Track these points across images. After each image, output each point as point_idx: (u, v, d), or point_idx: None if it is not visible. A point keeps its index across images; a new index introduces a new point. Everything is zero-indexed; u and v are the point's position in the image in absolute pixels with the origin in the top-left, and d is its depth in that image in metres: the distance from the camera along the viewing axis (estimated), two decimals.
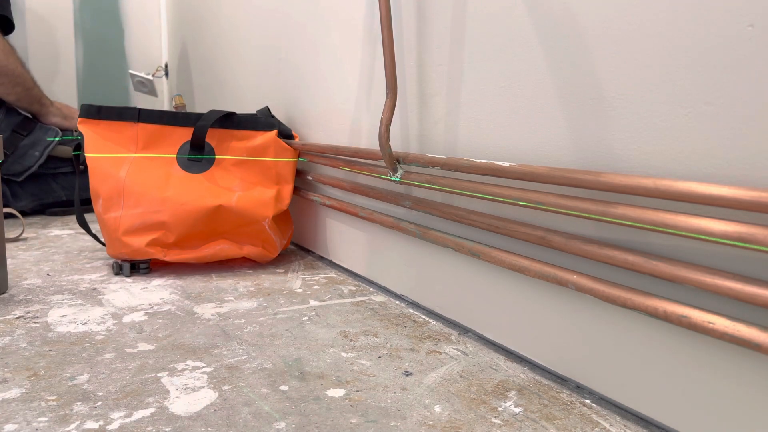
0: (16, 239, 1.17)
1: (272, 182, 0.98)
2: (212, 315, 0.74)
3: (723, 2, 0.41)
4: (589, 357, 0.53)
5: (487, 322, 0.66)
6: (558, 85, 0.55)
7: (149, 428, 0.46)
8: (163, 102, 2.16)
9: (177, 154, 0.97)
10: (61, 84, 2.05)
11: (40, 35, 2.00)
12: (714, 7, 0.42)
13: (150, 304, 0.77)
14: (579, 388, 0.55)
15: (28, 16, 1.97)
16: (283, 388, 0.54)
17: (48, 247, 1.11)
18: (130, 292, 0.83)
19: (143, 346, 0.63)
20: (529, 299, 0.60)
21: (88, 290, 0.83)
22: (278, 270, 0.96)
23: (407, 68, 0.76)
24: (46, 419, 0.48)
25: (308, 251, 1.10)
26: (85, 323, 0.70)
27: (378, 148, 0.73)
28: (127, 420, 0.48)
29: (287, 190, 0.99)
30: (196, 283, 0.88)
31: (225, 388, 0.54)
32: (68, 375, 0.56)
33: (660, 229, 0.42)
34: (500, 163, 0.56)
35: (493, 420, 0.49)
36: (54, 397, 0.51)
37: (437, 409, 0.50)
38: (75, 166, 0.99)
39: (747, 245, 0.38)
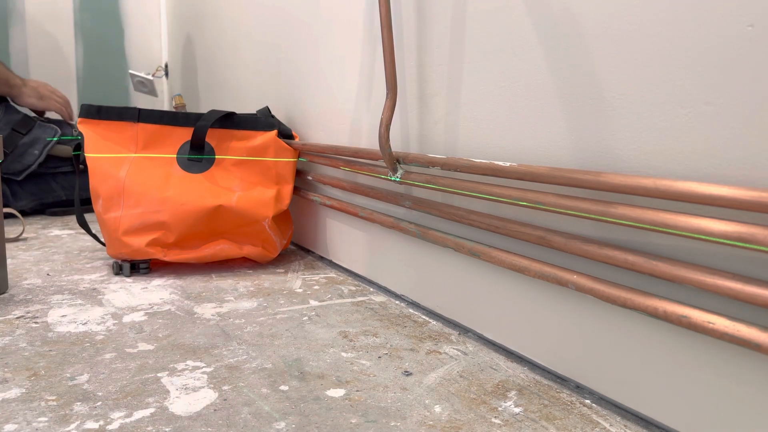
0: (16, 239, 1.17)
1: (272, 182, 0.98)
2: (212, 315, 0.74)
3: (723, 2, 0.41)
4: (589, 357, 0.53)
5: (487, 322, 0.66)
6: (558, 85, 0.55)
7: (149, 428, 0.46)
8: (163, 102, 2.16)
9: (177, 154, 0.97)
10: (61, 84, 2.05)
11: (40, 35, 2.00)
12: (714, 7, 0.42)
13: (150, 304, 0.77)
14: (579, 388, 0.55)
15: (28, 17, 1.97)
16: (283, 388, 0.54)
17: (48, 247, 1.11)
18: (130, 292, 0.83)
19: (143, 346, 0.63)
20: (529, 299, 0.60)
21: (88, 290, 0.83)
22: (278, 270, 0.96)
23: (407, 68, 0.76)
24: (46, 419, 0.48)
25: (308, 251, 1.10)
26: (85, 323, 0.70)
27: (378, 148, 0.73)
28: (127, 420, 0.48)
29: (287, 190, 0.99)
30: (196, 283, 0.88)
31: (225, 388, 0.54)
32: (68, 375, 0.56)
33: (660, 229, 0.42)
34: (500, 163, 0.56)
35: (493, 420, 0.49)
36: (54, 397, 0.51)
37: (437, 409, 0.50)
38: (75, 165, 0.99)
39: (747, 245, 0.38)
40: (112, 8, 2.10)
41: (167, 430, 0.46)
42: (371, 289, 0.86)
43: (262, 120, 1.00)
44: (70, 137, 1.48)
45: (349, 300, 0.81)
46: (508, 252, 0.59)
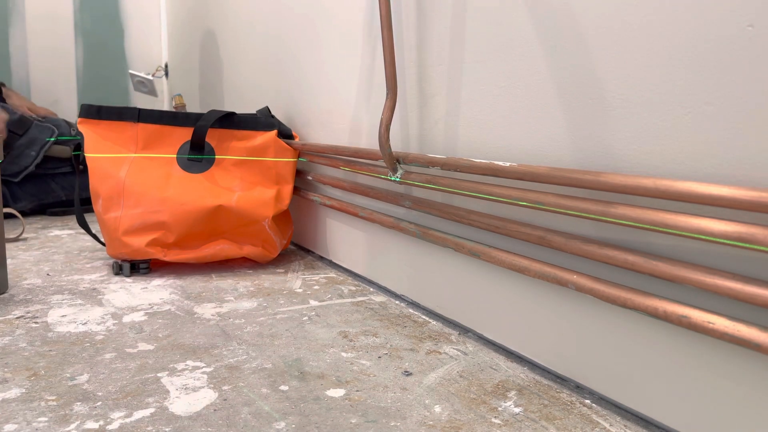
0: (16, 239, 1.17)
1: (272, 182, 0.98)
2: (212, 315, 0.74)
3: (722, 2, 0.41)
4: (589, 357, 0.53)
5: (487, 322, 0.66)
6: (558, 85, 0.55)
7: (149, 428, 0.46)
8: (163, 102, 2.16)
9: (177, 154, 0.97)
10: (61, 83, 2.05)
11: (40, 35, 2.00)
12: (714, 7, 0.42)
13: (150, 304, 0.77)
14: (579, 388, 0.55)
15: (28, 17, 1.97)
16: (283, 388, 0.54)
17: (48, 247, 1.11)
18: (130, 292, 0.83)
19: (143, 346, 0.63)
20: (529, 299, 0.60)
21: (88, 290, 0.83)
22: (278, 270, 0.96)
23: (407, 68, 0.76)
24: (46, 419, 0.48)
25: (308, 251, 1.10)
26: (85, 323, 0.70)
27: (378, 148, 0.73)
28: (127, 420, 0.48)
29: (287, 190, 0.99)
30: (196, 283, 0.88)
31: (225, 388, 0.54)
32: (68, 375, 0.56)
33: (660, 229, 0.42)
34: (500, 163, 0.56)
35: (493, 420, 0.49)
36: (54, 397, 0.51)
37: (437, 409, 0.50)
38: (75, 166, 0.99)
39: (747, 245, 0.38)
40: (112, 9, 2.10)
41: (167, 430, 0.46)
42: (371, 289, 0.86)
43: (262, 120, 1.00)
44: (67, 137, 1.47)
45: (349, 300, 0.81)
46: (508, 252, 0.59)
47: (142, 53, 2.15)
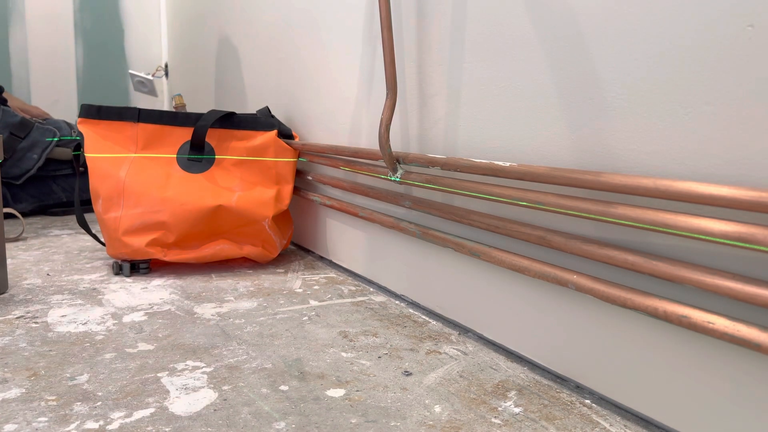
0: (16, 239, 1.17)
1: (272, 182, 0.98)
2: (212, 315, 0.74)
3: (723, 2, 0.41)
4: (589, 357, 0.53)
5: (487, 322, 0.66)
6: (558, 85, 0.55)
7: (149, 428, 0.46)
8: (163, 102, 2.16)
9: (177, 154, 0.97)
10: (61, 84, 2.05)
11: (40, 35, 2.00)
12: (714, 6, 0.42)
13: (150, 304, 0.77)
14: (579, 388, 0.55)
15: (28, 16, 1.97)
16: (283, 388, 0.54)
17: (48, 247, 1.11)
18: (130, 292, 0.83)
19: (143, 346, 0.63)
20: (529, 299, 0.60)
21: (88, 290, 0.83)
22: (278, 270, 0.96)
23: (407, 68, 0.76)
24: (46, 419, 0.48)
25: (308, 251, 1.10)
26: (85, 323, 0.70)
27: (378, 148, 0.73)
28: (127, 420, 0.48)
29: (287, 190, 0.99)
30: (196, 283, 0.88)
31: (225, 388, 0.54)
32: (68, 375, 0.56)
33: (660, 229, 0.42)
34: (500, 163, 0.56)
35: (493, 420, 0.49)
36: (54, 397, 0.51)
37: (437, 409, 0.50)
38: (75, 166, 0.99)
39: (747, 245, 0.38)
40: (112, 8, 2.10)
41: (167, 430, 0.46)
42: (371, 289, 0.86)
43: (262, 120, 1.00)
44: (69, 137, 1.47)
45: (349, 300, 0.81)
46: (508, 252, 0.59)
47: (142, 53, 2.15)
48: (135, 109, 0.97)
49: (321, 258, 1.05)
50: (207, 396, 0.52)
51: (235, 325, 0.70)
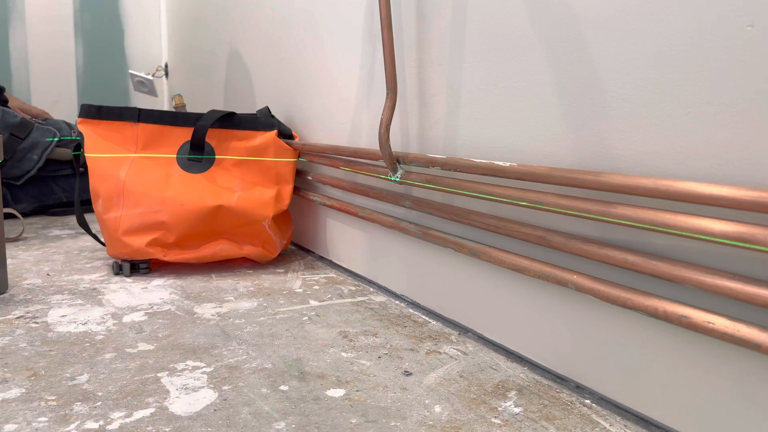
0: (16, 239, 1.17)
1: (272, 182, 0.98)
2: (212, 315, 0.74)
3: (723, 2, 0.41)
4: (589, 357, 0.53)
5: (487, 322, 0.66)
6: (558, 85, 0.55)
7: (149, 428, 0.46)
8: (163, 102, 2.16)
9: (177, 154, 0.97)
10: (61, 84, 2.05)
11: (40, 35, 2.00)
12: (714, 7, 0.42)
13: (150, 304, 0.77)
14: (579, 388, 0.55)
15: (28, 16, 1.97)
16: (283, 388, 0.54)
17: (48, 247, 1.11)
18: (130, 292, 0.83)
19: (143, 346, 0.63)
20: (529, 299, 0.60)
21: (88, 290, 0.83)
22: (278, 270, 0.96)
23: (407, 68, 0.76)
24: (46, 419, 0.48)
25: (308, 251, 1.10)
26: (85, 323, 0.70)
27: (378, 148, 0.73)
28: (127, 420, 0.48)
29: (287, 190, 0.99)
30: (196, 283, 0.88)
31: (225, 388, 0.54)
32: (68, 375, 0.56)
33: (660, 229, 0.42)
34: (500, 163, 0.56)
35: (493, 420, 0.49)
36: (54, 397, 0.51)
37: (437, 409, 0.50)
38: (75, 166, 0.99)
39: (747, 245, 0.38)
40: (112, 8, 2.10)
41: (167, 430, 0.46)
42: (371, 289, 0.86)
43: (262, 120, 1.00)
44: (69, 138, 1.47)
45: (349, 300, 0.81)
46: (508, 252, 0.59)
47: (142, 53, 2.15)
48: (135, 109, 0.97)
49: (321, 258, 1.05)
50: (207, 396, 0.52)
51: (235, 325, 0.70)
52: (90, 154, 0.93)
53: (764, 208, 0.37)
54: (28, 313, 0.73)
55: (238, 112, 1.01)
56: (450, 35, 0.68)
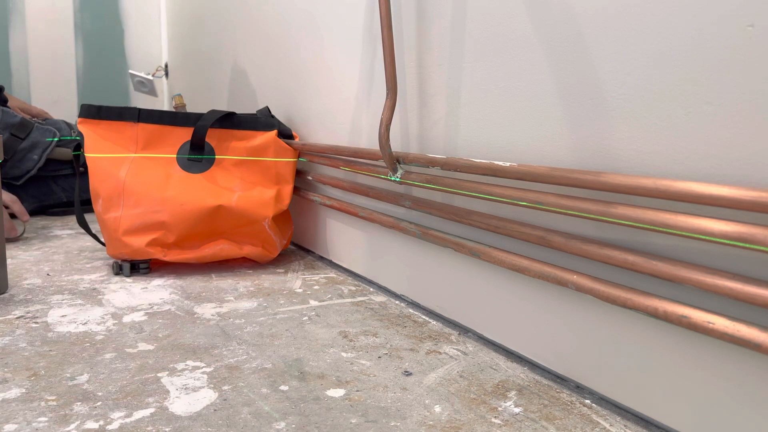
0: (16, 239, 1.16)
1: (272, 182, 0.98)
2: (212, 315, 0.74)
3: (723, 2, 0.41)
4: (589, 357, 0.53)
5: (487, 322, 0.66)
6: (558, 84, 0.55)
7: (149, 428, 0.46)
8: (163, 102, 2.16)
9: (177, 154, 0.97)
10: (61, 84, 2.05)
11: (40, 35, 2.00)
12: (714, 7, 0.42)
13: (150, 304, 0.77)
14: (579, 388, 0.55)
15: (28, 16, 1.97)
16: (283, 388, 0.54)
17: (48, 247, 1.11)
18: (130, 292, 0.83)
19: (143, 346, 0.63)
20: (529, 299, 0.60)
21: (88, 290, 0.83)
22: (278, 270, 0.96)
23: (407, 68, 0.76)
24: (46, 419, 0.48)
25: (308, 251, 1.10)
26: (85, 323, 0.70)
27: (378, 148, 0.73)
28: (127, 420, 0.48)
29: (287, 190, 0.99)
30: (196, 283, 0.88)
31: (225, 388, 0.54)
32: (68, 375, 0.56)
33: (660, 229, 0.42)
34: (500, 163, 0.57)
35: (493, 420, 0.49)
36: (54, 397, 0.51)
37: (437, 409, 0.50)
38: (75, 166, 0.99)
39: (747, 245, 0.38)
40: (112, 8, 2.10)
41: (167, 430, 0.46)
42: (371, 289, 0.86)
43: (262, 120, 1.00)
44: (68, 137, 1.47)
45: (349, 300, 0.81)
46: (508, 252, 0.59)
47: (142, 53, 2.15)
48: (135, 109, 0.97)
49: (321, 258, 1.05)
50: (207, 396, 0.52)
51: (235, 325, 0.70)
52: (90, 154, 0.93)
53: (764, 208, 0.37)
54: (28, 313, 0.73)
55: (238, 112, 1.01)
56: (450, 35, 0.68)
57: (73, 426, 0.47)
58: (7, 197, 1.19)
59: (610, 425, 0.48)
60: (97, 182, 0.91)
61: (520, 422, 0.48)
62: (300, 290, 0.85)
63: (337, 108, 0.94)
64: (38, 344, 0.63)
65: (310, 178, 1.01)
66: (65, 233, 1.25)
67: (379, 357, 0.61)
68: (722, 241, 0.39)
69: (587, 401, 0.52)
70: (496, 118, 0.62)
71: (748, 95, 0.40)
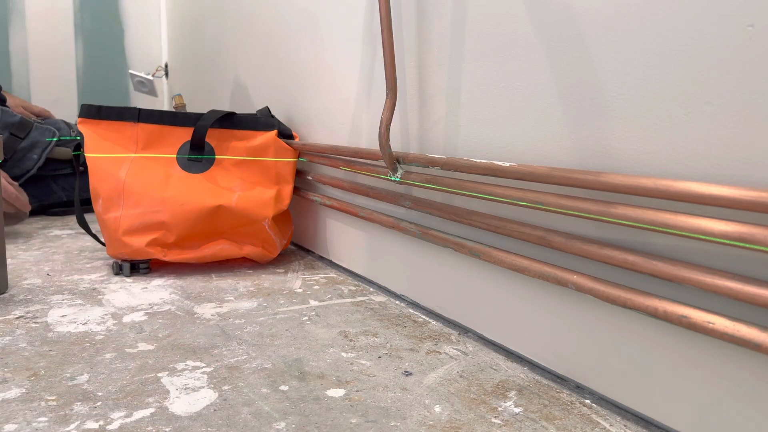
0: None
1: (272, 182, 0.98)
2: (212, 315, 0.74)
3: (723, 2, 0.41)
4: (589, 357, 0.53)
5: (487, 322, 0.66)
6: (558, 84, 0.55)
7: (149, 428, 0.46)
8: (163, 102, 2.16)
9: (177, 154, 0.97)
10: (61, 84, 2.05)
11: (40, 35, 2.00)
12: (714, 7, 0.42)
13: (150, 304, 0.77)
14: (579, 388, 0.55)
15: (28, 16, 1.97)
16: (283, 388, 0.54)
17: (48, 247, 1.11)
18: (130, 292, 0.83)
19: (143, 346, 0.63)
20: (529, 299, 0.60)
21: (88, 290, 0.83)
22: (278, 270, 0.96)
23: (407, 68, 0.76)
24: (46, 419, 0.48)
25: (308, 251, 1.10)
26: (85, 323, 0.70)
27: (378, 148, 0.73)
28: (127, 420, 0.48)
29: (287, 190, 0.99)
30: (196, 283, 0.88)
31: (225, 388, 0.54)
32: (68, 375, 0.56)
33: (660, 229, 0.42)
34: (500, 163, 0.56)
35: (493, 420, 0.49)
36: (54, 397, 0.51)
37: (437, 409, 0.50)
38: (75, 166, 0.99)
39: (747, 245, 0.38)
40: (112, 8, 2.10)
41: (167, 430, 0.46)
42: (371, 289, 0.86)
43: (262, 120, 1.00)
44: (68, 137, 1.47)
45: (349, 300, 0.81)
46: (508, 252, 0.59)
47: (142, 53, 2.15)
48: (135, 109, 0.97)
49: (321, 258, 1.05)
50: (207, 396, 0.52)
51: (235, 325, 0.70)
52: (90, 154, 0.93)
53: (764, 208, 0.37)
54: (28, 313, 0.73)
55: (238, 112, 1.01)
56: (450, 35, 0.68)
57: (73, 426, 0.47)
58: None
59: (610, 425, 0.48)
60: (97, 182, 0.91)
61: (520, 422, 0.48)
62: (300, 290, 0.85)
63: (337, 108, 0.94)
64: (38, 344, 0.63)
65: (310, 178, 1.01)
66: (65, 233, 1.25)
67: (379, 357, 0.61)
68: (722, 241, 0.39)
69: (587, 401, 0.52)
70: (496, 118, 0.62)
71: (748, 95, 0.40)
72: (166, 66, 2.12)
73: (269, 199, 0.95)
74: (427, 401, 0.52)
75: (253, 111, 1.12)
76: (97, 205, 0.91)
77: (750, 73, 0.40)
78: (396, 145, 0.78)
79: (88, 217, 1.34)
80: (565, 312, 0.55)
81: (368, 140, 0.86)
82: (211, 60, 1.58)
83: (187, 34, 1.83)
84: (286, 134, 1.01)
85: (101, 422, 0.47)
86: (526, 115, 0.58)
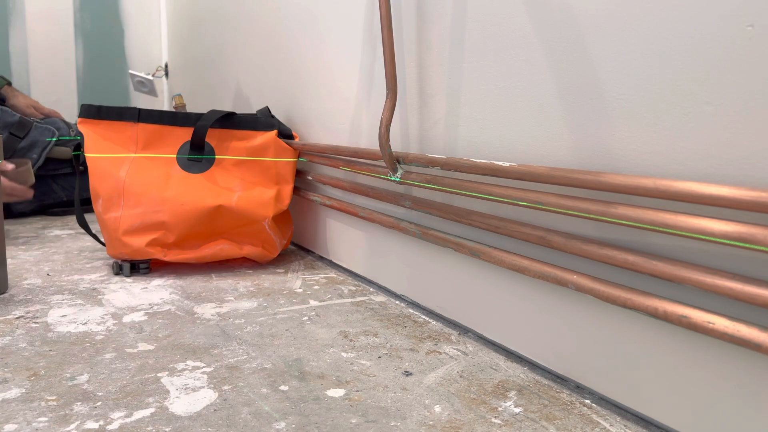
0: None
1: (272, 182, 0.98)
2: (212, 315, 0.74)
3: (723, 2, 0.41)
4: (589, 357, 0.53)
5: (487, 322, 0.66)
6: (558, 84, 0.55)
7: (149, 428, 0.46)
8: (163, 102, 2.16)
9: (177, 154, 0.97)
10: (61, 84, 2.05)
11: (40, 35, 2.00)
12: (714, 7, 0.42)
13: (150, 304, 0.77)
14: (579, 388, 0.55)
15: (28, 16, 1.97)
16: (283, 388, 0.54)
17: (48, 247, 1.11)
18: (130, 292, 0.83)
19: (143, 346, 0.63)
20: (529, 299, 0.60)
21: (88, 290, 0.83)
22: (278, 270, 0.96)
23: (407, 68, 0.76)
24: (46, 419, 0.48)
25: (308, 251, 1.10)
26: (85, 323, 0.70)
27: (378, 148, 0.73)
28: (127, 420, 0.48)
29: (287, 190, 0.99)
30: (196, 283, 0.88)
31: (225, 388, 0.54)
32: (68, 375, 0.56)
33: (660, 229, 0.42)
34: (500, 163, 0.56)
35: (493, 420, 0.49)
36: (54, 397, 0.51)
37: (437, 409, 0.50)
38: (75, 166, 0.99)
39: (747, 245, 0.38)
40: (112, 8, 2.10)
41: (167, 430, 0.46)
42: (371, 289, 0.86)
43: (262, 120, 1.00)
44: (68, 137, 1.47)
45: (349, 300, 0.81)
46: (508, 252, 0.59)
47: (142, 53, 2.15)
48: (135, 109, 0.96)
49: (321, 258, 1.05)
50: (207, 396, 0.52)
51: (235, 325, 0.70)
52: (90, 154, 0.93)
53: (764, 208, 0.37)
54: (28, 313, 0.73)
55: (238, 112, 1.01)
56: (450, 35, 0.68)
57: (73, 426, 0.47)
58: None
59: (610, 425, 0.48)
60: (97, 182, 0.91)
61: (520, 422, 0.48)
62: (300, 290, 0.85)
63: (337, 108, 0.94)
64: (38, 344, 0.63)
65: (310, 178, 1.01)
66: (65, 233, 1.25)
67: (379, 357, 0.61)
68: (722, 241, 0.39)
69: (587, 401, 0.52)
70: (496, 118, 0.62)
71: (748, 95, 0.40)
72: (166, 66, 2.12)
73: (269, 199, 0.95)
74: (427, 401, 0.52)
75: (253, 111, 1.12)
76: (97, 205, 0.91)
77: (750, 73, 0.40)
78: (396, 145, 0.78)
79: (88, 217, 1.34)
80: (565, 312, 0.55)
81: (368, 140, 0.86)
82: (211, 60, 1.58)
83: (187, 34, 1.83)
84: (286, 134, 1.01)
85: (101, 422, 0.47)
86: (526, 115, 0.58)
